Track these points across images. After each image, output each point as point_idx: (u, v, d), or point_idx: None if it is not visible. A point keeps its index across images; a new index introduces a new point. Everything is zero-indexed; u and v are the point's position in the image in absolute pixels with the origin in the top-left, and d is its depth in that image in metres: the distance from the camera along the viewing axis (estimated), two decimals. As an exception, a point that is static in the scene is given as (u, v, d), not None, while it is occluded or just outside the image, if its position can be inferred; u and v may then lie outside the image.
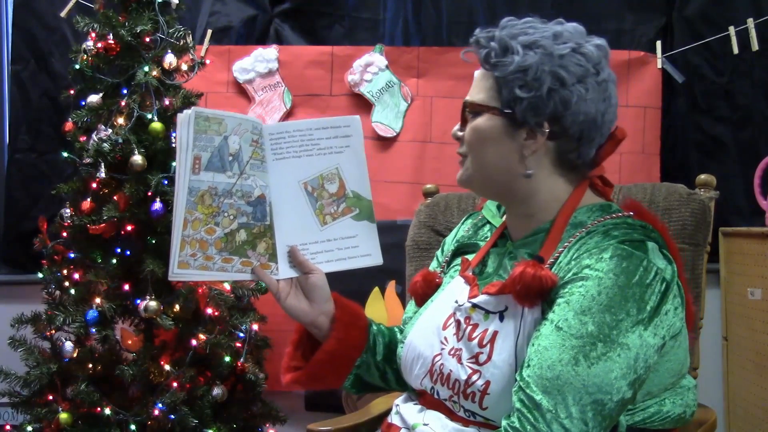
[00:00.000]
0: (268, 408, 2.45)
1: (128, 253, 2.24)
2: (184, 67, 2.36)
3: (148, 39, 2.30)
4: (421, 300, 1.32)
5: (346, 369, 1.31)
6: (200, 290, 2.27)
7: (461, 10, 2.96)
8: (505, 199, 1.22)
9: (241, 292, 2.41)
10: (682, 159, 2.92)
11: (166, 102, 2.28)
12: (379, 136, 2.87)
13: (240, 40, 2.95)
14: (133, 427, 2.16)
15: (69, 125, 2.34)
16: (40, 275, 2.37)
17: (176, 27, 2.34)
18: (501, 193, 1.21)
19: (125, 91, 2.28)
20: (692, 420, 1.21)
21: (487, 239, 1.30)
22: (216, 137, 1.18)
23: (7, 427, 2.74)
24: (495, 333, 1.10)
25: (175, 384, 2.18)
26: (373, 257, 1.30)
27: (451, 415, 1.14)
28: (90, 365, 2.24)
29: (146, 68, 2.24)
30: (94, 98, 2.29)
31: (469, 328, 1.14)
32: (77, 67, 2.32)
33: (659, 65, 2.85)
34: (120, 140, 2.21)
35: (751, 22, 2.80)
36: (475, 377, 1.09)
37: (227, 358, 2.29)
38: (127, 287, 2.22)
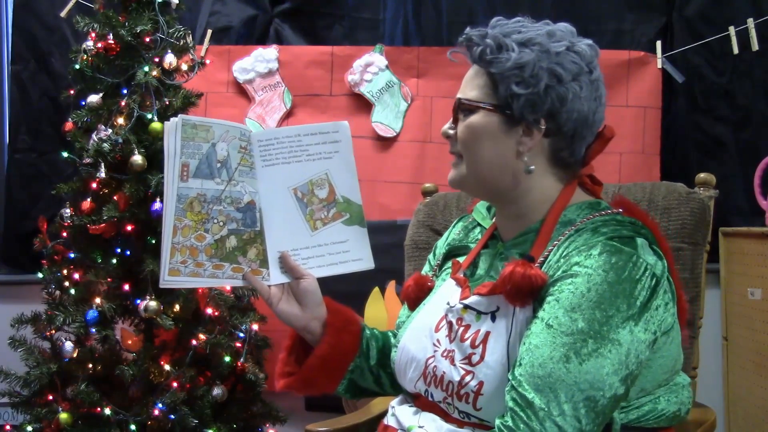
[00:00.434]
0: (268, 408, 2.45)
1: (128, 253, 2.24)
2: (184, 67, 2.36)
3: (148, 39, 2.30)
4: (414, 304, 1.32)
5: (340, 374, 1.32)
6: (200, 290, 2.27)
7: (461, 10, 2.96)
8: (497, 198, 1.22)
9: (241, 292, 2.41)
10: (682, 159, 2.91)
11: (166, 102, 2.28)
12: (379, 136, 2.87)
13: (240, 40, 2.95)
14: (133, 427, 2.16)
15: (69, 125, 2.34)
16: (40, 275, 2.37)
17: (176, 27, 2.34)
18: (493, 193, 1.20)
19: (125, 91, 2.28)
20: (690, 419, 1.21)
21: (478, 241, 1.30)
22: (204, 144, 1.19)
23: (7, 427, 2.74)
24: (487, 333, 1.10)
25: (175, 384, 2.18)
26: (365, 261, 1.30)
27: (446, 417, 1.14)
28: (90, 365, 2.24)
29: (146, 68, 2.24)
30: (94, 98, 2.29)
31: (462, 329, 1.14)
32: (77, 67, 2.32)
33: (659, 65, 2.85)
34: (120, 140, 2.21)
35: (751, 22, 2.80)
36: (468, 378, 1.09)
37: (227, 358, 2.29)
38: (127, 287, 2.22)
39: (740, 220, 2.84)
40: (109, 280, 2.22)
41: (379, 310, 2.50)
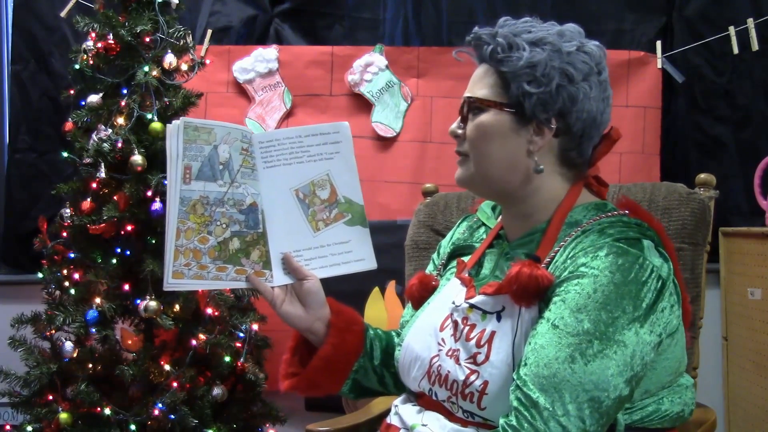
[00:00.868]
0: (268, 408, 2.45)
1: (128, 253, 2.24)
2: (184, 67, 2.36)
3: (148, 39, 2.30)
4: (418, 303, 1.32)
5: (344, 374, 1.31)
6: (200, 291, 2.27)
7: (461, 10, 2.96)
8: (504, 198, 1.22)
9: (240, 292, 2.41)
10: (682, 159, 2.92)
11: (166, 102, 2.28)
12: (379, 136, 2.87)
13: (240, 40, 2.95)
14: (133, 427, 2.16)
15: (69, 125, 2.34)
16: (40, 275, 2.37)
17: (176, 27, 2.34)
18: (501, 192, 1.20)
19: (125, 91, 2.28)
20: (691, 419, 1.21)
21: (483, 241, 1.30)
22: (206, 147, 1.19)
23: (7, 427, 2.75)
24: (492, 333, 1.10)
25: (175, 384, 2.18)
26: (367, 262, 1.30)
27: (450, 416, 1.14)
28: (90, 365, 2.23)
29: (146, 68, 2.24)
30: (94, 98, 2.29)
31: (467, 328, 1.14)
32: (77, 67, 2.32)
33: (659, 65, 2.85)
34: (120, 140, 2.21)
35: (751, 22, 2.80)
36: (473, 377, 1.09)
37: (227, 358, 2.29)
38: (127, 287, 2.22)
39: (740, 220, 2.84)
40: (109, 280, 2.22)
41: (379, 309, 2.51)
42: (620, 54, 2.82)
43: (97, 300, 2.19)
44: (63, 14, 2.86)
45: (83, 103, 2.31)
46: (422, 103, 2.89)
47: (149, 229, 2.22)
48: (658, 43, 2.87)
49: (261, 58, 2.88)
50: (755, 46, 2.81)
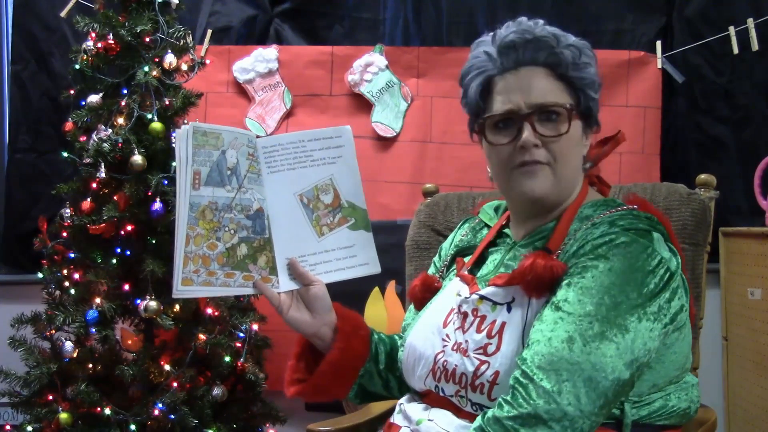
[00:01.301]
0: (268, 408, 2.45)
1: (128, 253, 2.24)
2: (184, 67, 2.36)
3: (148, 39, 2.30)
4: (420, 304, 1.32)
5: (350, 379, 1.32)
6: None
7: (461, 10, 2.96)
8: (553, 206, 1.21)
9: (241, 292, 2.40)
10: (682, 159, 2.91)
11: (166, 102, 2.28)
12: (379, 136, 2.87)
13: (240, 40, 2.95)
14: (133, 427, 2.16)
15: (69, 125, 2.34)
16: (40, 275, 2.37)
17: (176, 27, 2.34)
18: (560, 202, 1.21)
19: (125, 91, 2.28)
20: (693, 419, 1.21)
21: (483, 239, 1.30)
22: (214, 152, 1.18)
23: (7, 427, 2.74)
24: (503, 324, 1.11)
25: (175, 384, 2.18)
26: (371, 266, 1.30)
27: (458, 412, 1.14)
28: (90, 365, 2.24)
29: (146, 68, 2.24)
30: (94, 98, 2.29)
31: (477, 320, 1.14)
32: (77, 67, 2.32)
33: (659, 65, 2.85)
34: (120, 140, 2.21)
35: (751, 22, 2.80)
36: (483, 368, 1.10)
37: (227, 358, 2.29)
38: (127, 287, 2.22)
39: (740, 220, 2.84)
40: (109, 280, 2.22)
41: (379, 310, 2.51)
42: (620, 54, 2.82)
43: (97, 300, 2.19)
44: (63, 14, 2.86)
45: (83, 103, 2.31)
46: (422, 103, 2.89)
47: (149, 229, 2.22)
48: (658, 43, 2.86)
49: (261, 58, 2.88)
50: (755, 46, 2.80)
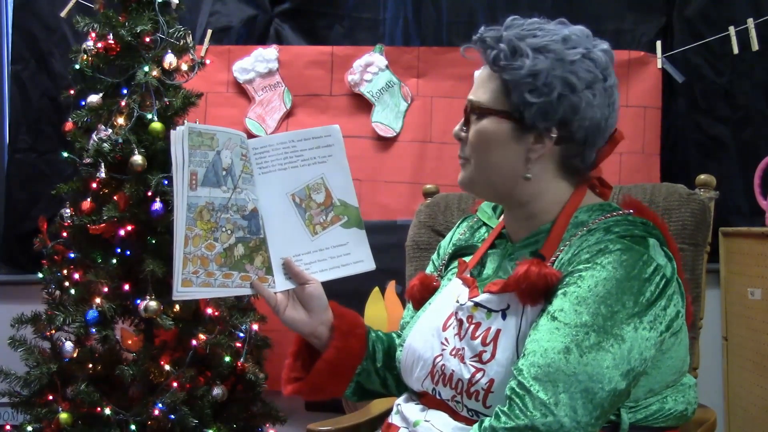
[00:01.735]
0: (268, 408, 2.45)
1: (128, 253, 2.24)
2: (184, 67, 2.36)
3: (148, 39, 2.30)
4: (419, 304, 1.32)
5: (347, 377, 1.32)
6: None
7: (461, 10, 2.96)
8: (506, 201, 1.22)
9: (241, 292, 2.41)
10: (682, 159, 2.91)
11: (166, 102, 2.28)
12: (379, 136, 2.87)
13: (240, 40, 2.95)
14: (133, 427, 2.16)
15: (69, 125, 2.34)
16: (40, 275, 2.37)
17: (176, 27, 2.34)
18: (503, 196, 1.21)
19: (125, 91, 2.28)
20: (692, 419, 1.21)
21: (485, 241, 1.30)
22: (209, 152, 1.19)
23: (7, 427, 2.74)
24: (498, 331, 1.11)
25: (175, 384, 2.18)
26: (366, 263, 1.31)
27: (455, 414, 1.14)
28: (90, 365, 2.23)
29: (146, 68, 2.24)
30: (94, 98, 2.29)
31: (472, 327, 1.14)
32: (77, 67, 2.31)
33: (659, 65, 2.85)
34: (120, 140, 2.21)
35: (751, 22, 2.80)
36: (478, 375, 1.09)
37: (227, 358, 2.29)
38: (127, 287, 2.22)
39: (740, 220, 2.84)
40: (109, 280, 2.22)
41: (379, 309, 2.51)
42: (620, 54, 2.81)
43: (97, 300, 2.19)
44: (63, 14, 2.86)
45: (83, 103, 2.31)
46: (422, 103, 2.89)
47: (149, 229, 2.22)
48: (658, 43, 2.86)
49: (261, 58, 2.88)
50: (755, 46, 2.80)
